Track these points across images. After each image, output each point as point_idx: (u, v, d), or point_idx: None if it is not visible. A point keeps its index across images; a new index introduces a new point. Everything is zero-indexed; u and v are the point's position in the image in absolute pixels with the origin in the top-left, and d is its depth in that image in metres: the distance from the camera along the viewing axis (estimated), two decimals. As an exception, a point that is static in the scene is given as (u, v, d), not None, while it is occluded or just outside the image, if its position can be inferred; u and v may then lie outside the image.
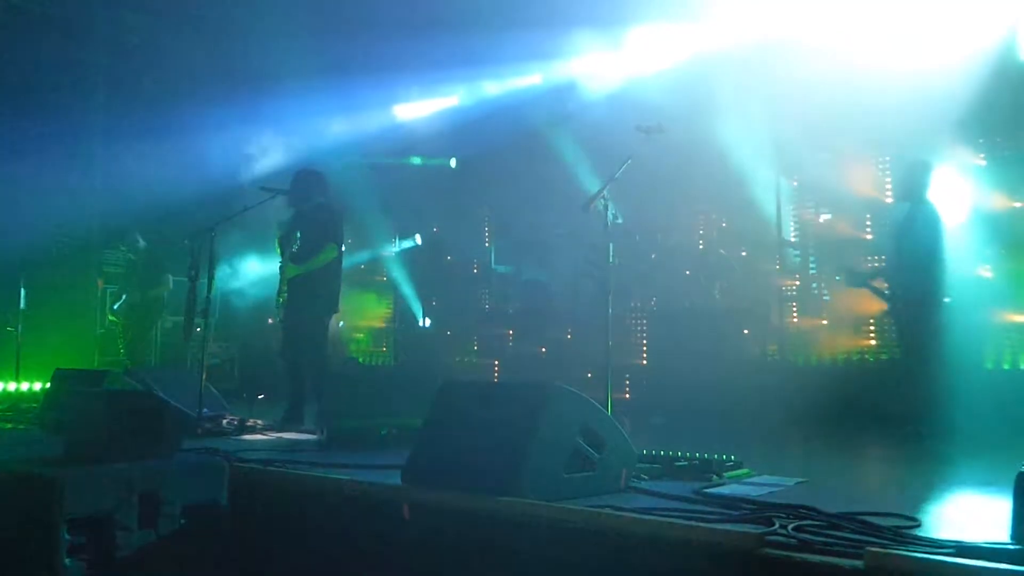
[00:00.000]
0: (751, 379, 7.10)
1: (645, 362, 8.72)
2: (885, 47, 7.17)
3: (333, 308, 7.11)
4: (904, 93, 6.75)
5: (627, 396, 8.47)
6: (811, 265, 8.06)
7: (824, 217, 8.14)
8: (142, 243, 9.59)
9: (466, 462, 3.72)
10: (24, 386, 9.81)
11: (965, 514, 3.64)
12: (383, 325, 12.19)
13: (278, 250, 7.11)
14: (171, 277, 9.48)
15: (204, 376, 6.50)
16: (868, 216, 7.79)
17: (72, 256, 10.65)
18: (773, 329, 8.03)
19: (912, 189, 6.40)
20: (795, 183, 8.19)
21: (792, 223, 8.20)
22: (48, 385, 7.19)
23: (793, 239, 8.23)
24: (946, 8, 7.03)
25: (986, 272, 7.10)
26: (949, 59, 6.74)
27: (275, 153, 11.08)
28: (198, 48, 11.13)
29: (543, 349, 9.67)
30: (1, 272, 9.79)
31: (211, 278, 6.46)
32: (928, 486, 4.20)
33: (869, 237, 7.77)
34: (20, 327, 9.77)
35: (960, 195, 7.12)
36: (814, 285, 8.02)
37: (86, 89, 11.25)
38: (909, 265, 6.20)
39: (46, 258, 10.15)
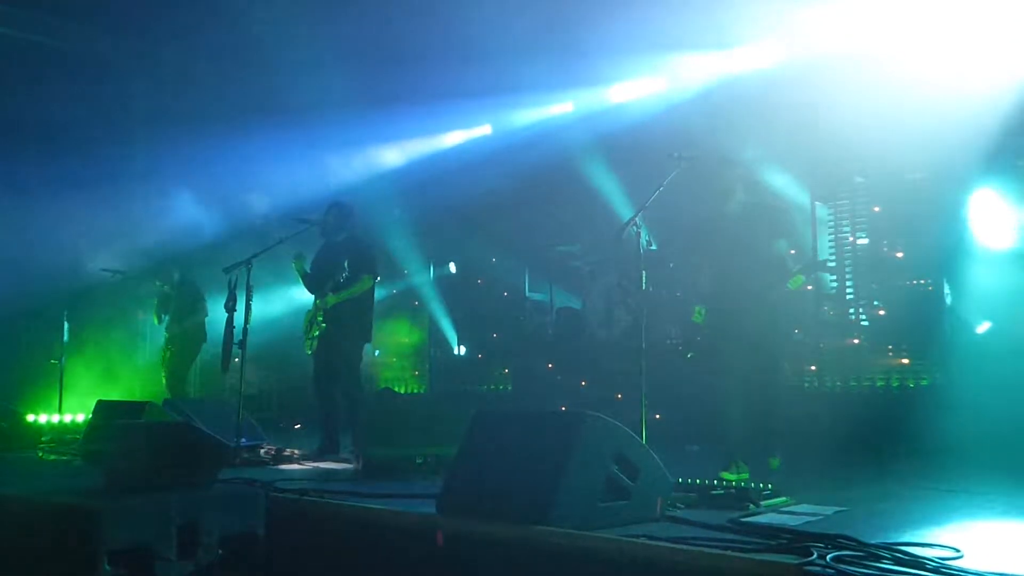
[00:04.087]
0: (788, 406, 7.01)
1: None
2: (919, 68, 7.11)
3: (366, 338, 7.18)
4: (940, 114, 6.69)
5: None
6: (848, 290, 7.96)
7: (862, 240, 8.04)
8: (176, 275, 9.72)
9: (500, 491, 3.72)
10: (67, 417, 9.96)
11: (1011, 545, 3.56)
12: (418, 353, 12.22)
13: (299, 277, 7.23)
14: (207, 304, 9.58)
15: (242, 406, 6.57)
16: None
17: (113, 290, 10.84)
18: (810, 356, 7.93)
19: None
20: (830, 207, 8.11)
21: (829, 247, 8.10)
22: (90, 416, 7.31)
23: (830, 264, 8.13)
24: (982, 27, 6.97)
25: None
26: (986, 78, 6.66)
27: (308, 185, 11.24)
28: (234, 81, 11.33)
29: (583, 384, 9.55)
30: (45, 306, 10.00)
31: (248, 309, 6.54)
32: (972, 515, 4.10)
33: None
34: (63, 359, 9.95)
35: (1002, 217, 7.02)
36: (851, 310, 7.92)
37: (124, 125, 11.50)
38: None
39: (88, 292, 10.33)
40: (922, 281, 7.53)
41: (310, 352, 7.15)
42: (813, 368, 7.91)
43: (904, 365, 7.44)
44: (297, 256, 7.23)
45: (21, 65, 10.52)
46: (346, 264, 7.05)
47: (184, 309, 9.56)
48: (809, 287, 7.83)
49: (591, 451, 3.69)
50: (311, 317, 7.15)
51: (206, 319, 9.68)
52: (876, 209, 7.87)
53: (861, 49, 7.54)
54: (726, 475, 5.21)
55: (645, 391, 5.02)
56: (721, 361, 5.70)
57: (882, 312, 7.76)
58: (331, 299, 7.00)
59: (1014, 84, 6.60)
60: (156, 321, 9.85)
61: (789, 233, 6.13)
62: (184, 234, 10.47)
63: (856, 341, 7.82)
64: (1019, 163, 7.18)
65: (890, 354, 7.58)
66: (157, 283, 9.87)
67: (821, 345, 7.93)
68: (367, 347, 7.39)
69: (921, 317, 7.41)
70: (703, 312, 5.78)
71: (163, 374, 9.77)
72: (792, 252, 7.82)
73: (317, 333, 7.01)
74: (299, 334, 7.42)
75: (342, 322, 6.99)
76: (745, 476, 5.28)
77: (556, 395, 9.30)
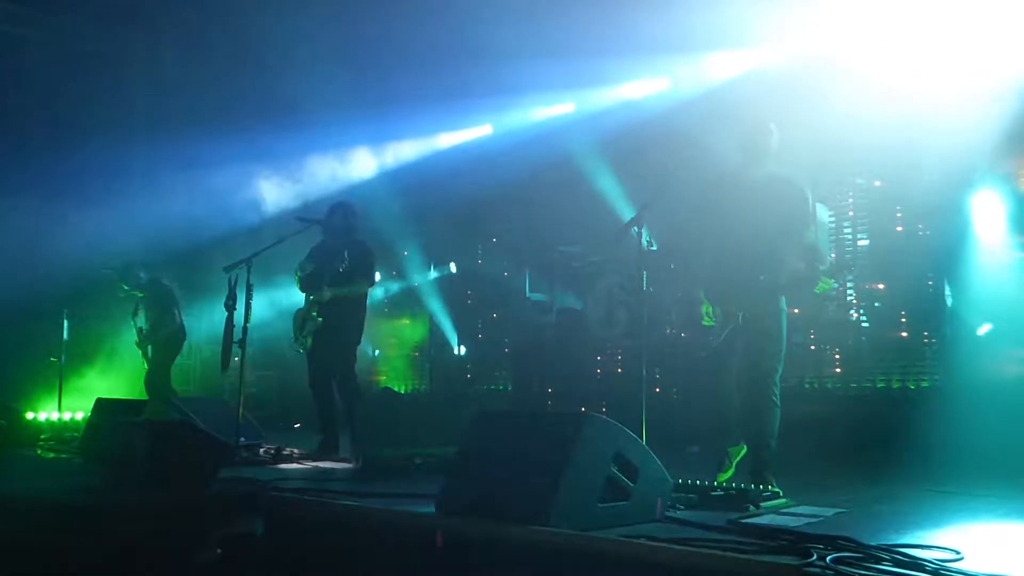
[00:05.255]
0: (788, 408, 7.01)
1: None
2: (921, 70, 7.11)
3: (358, 339, 7.17)
4: (942, 115, 6.69)
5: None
6: (849, 291, 7.96)
7: (862, 242, 8.04)
8: (144, 276, 9.25)
9: (500, 491, 3.72)
10: (67, 415, 9.97)
11: (1011, 547, 3.55)
12: (418, 353, 12.22)
13: (297, 285, 7.20)
14: (178, 312, 9.24)
15: (241, 405, 6.56)
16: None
17: (113, 288, 10.84)
18: (810, 357, 7.93)
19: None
20: (831, 209, 8.11)
21: (830, 250, 8.10)
22: (89, 415, 7.32)
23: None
24: (985, 27, 6.96)
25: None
26: (989, 79, 6.66)
27: (307, 185, 11.26)
28: (234, 81, 11.34)
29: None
30: (45, 304, 9.99)
31: (248, 308, 6.53)
32: (972, 517, 4.10)
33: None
34: (63, 357, 9.94)
35: (1003, 218, 7.02)
36: (851, 311, 7.92)
37: (127, 124, 11.49)
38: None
39: (88, 290, 10.32)
40: (923, 283, 7.52)
41: (302, 351, 7.12)
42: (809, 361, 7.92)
43: (904, 367, 7.43)
44: (301, 265, 7.19)
45: (21, 63, 10.52)
46: (346, 254, 6.95)
47: (156, 317, 9.18)
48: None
49: (591, 451, 3.68)
50: (303, 316, 7.10)
51: (182, 321, 9.36)
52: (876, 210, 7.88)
53: (863, 50, 7.54)
54: (721, 476, 5.04)
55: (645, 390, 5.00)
56: (725, 358, 5.19)
57: (883, 313, 7.75)
58: (327, 293, 6.97)
59: (1016, 85, 6.59)
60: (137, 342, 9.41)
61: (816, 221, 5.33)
62: (187, 231, 10.43)
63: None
64: (1021, 164, 7.18)
65: (891, 355, 7.57)
66: (125, 287, 9.30)
67: (823, 346, 7.93)
68: (366, 347, 7.39)
69: (922, 318, 7.41)
70: (712, 312, 5.18)
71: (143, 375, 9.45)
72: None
73: (312, 328, 6.97)
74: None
75: (339, 321, 6.97)
76: (743, 453, 5.08)
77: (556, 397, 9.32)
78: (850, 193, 8.04)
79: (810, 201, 5.06)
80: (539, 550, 3.36)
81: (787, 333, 5.12)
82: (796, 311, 7.93)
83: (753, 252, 4.98)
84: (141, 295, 9.30)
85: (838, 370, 7.84)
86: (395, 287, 12.00)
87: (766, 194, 5.00)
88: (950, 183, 7.05)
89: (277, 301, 10.73)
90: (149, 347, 9.33)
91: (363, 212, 7.52)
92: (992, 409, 5.84)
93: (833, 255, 7.95)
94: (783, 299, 5.08)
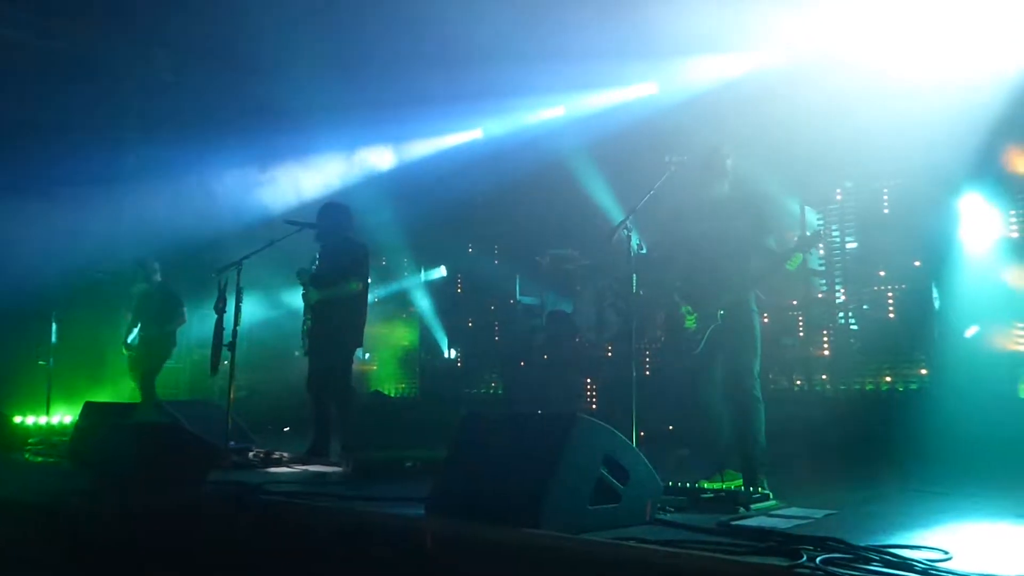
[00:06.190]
0: (778, 410, 7.02)
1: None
2: (908, 74, 7.15)
3: (357, 342, 7.16)
4: (928, 119, 6.72)
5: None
6: (837, 293, 7.99)
7: (851, 244, 8.08)
8: (159, 276, 9.45)
9: (489, 493, 3.72)
10: (55, 419, 9.91)
11: (999, 547, 3.57)
12: (408, 356, 12.20)
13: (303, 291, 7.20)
14: (186, 311, 9.38)
15: (231, 409, 6.54)
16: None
17: (102, 291, 10.78)
18: (800, 359, 7.95)
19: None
20: (820, 212, 8.14)
21: (819, 252, 8.14)
22: (77, 418, 7.28)
23: (820, 268, 8.16)
24: (970, 33, 7.01)
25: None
26: (976, 82, 6.70)
27: (300, 187, 11.24)
28: (227, 84, 11.31)
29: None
30: (33, 307, 9.93)
31: (238, 311, 6.51)
32: (960, 517, 4.12)
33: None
34: (51, 360, 9.88)
35: (988, 221, 7.06)
36: (841, 314, 7.95)
37: (118, 127, 11.45)
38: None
39: (77, 293, 10.26)
40: (911, 285, 7.56)
41: (299, 354, 7.12)
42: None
43: (893, 369, 7.46)
44: (300, 272, 7.19)
45: (13, 65, 10.47)
46: (317, 256, 7.02)
47: (164, 312, 9.27)
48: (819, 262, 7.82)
49: (581, 454, 3.68)
50: (303, 319, 7.12)
51: (182, 326, 9.46)
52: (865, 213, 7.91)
53: (851, 55, 7.58)
54: (707, 483, 4.90)
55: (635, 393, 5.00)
56: (704, 365, 5.31)
57: (871, 316, 7.78)
58: (313, 294, 6.97)
59: (1001, 89, 6.64)
60: (125, 336, 9.46)
61: (777, 230, 5.90)
62: (177, 234, 10.39)
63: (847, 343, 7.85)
64: (1006, 167, 7.22)
65: (879, 357, 7.60)
66: (141, 271, 9.42)
67: (811, 349, 7.96)
68: (358, 351, 7.36)
69: (910, 321, 7.45)
70: (694, 316, 5.27)
71: (135, 376, 9.45)
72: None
73: (306, 329, 6.98)
74: (290, 336, 7.40)
75: (330, 323, 6.95)
76: (738, 484, 5.06)
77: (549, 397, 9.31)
78: (839, 196, 8.07)
79: (767, 212, 5.54)
80: (529, 552, 3.36)
81: (761, 331, 5.31)
82: (791, 313, 8.01)
83: (723, 254, 5.28)
84: (150, 289, 9.39)
85: (827, 372, 7.86)
86: (385, 291, 11.98)
87: (729, 208, 5.38)
88: (938, 186, 7.09)
89: (269, 305, 10.72)
90: (141, 350, 9.32)
91: (354, 213, 7.50)
92: (979, 410, 5.88)
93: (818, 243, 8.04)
94: (753, 296, 5.30)
